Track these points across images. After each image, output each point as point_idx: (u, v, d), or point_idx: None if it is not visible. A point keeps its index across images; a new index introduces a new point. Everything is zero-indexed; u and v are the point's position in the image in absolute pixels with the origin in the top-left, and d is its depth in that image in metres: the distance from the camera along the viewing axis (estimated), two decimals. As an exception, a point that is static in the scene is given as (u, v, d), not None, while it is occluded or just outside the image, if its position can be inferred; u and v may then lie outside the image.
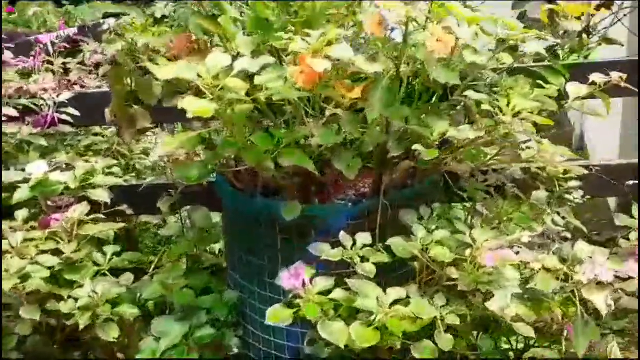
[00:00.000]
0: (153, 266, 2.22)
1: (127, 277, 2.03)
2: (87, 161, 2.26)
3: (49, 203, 2.12)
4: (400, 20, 1.59)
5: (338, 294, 1.59)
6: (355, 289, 1.57)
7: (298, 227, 1.78)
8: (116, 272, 2.02)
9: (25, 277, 1.81)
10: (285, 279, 1.58)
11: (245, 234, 1.90)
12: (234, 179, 1.87)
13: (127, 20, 1.98)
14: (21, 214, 2.02)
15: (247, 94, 1.61)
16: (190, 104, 1.48)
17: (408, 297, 1.60)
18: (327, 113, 1.69)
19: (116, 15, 2.69)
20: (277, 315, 1.57)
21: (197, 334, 1.89)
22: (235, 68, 1.57)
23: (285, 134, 1.65)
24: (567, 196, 1.93)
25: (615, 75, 1.74)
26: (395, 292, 1.58)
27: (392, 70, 1.65)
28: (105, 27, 3.49)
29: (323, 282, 1.61)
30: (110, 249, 2.00)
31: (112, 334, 1.84)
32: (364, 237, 1.69)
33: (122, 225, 2.08)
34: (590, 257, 1.72)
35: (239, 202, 1.88)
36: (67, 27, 3.57)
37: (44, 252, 1.93)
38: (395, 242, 1.65)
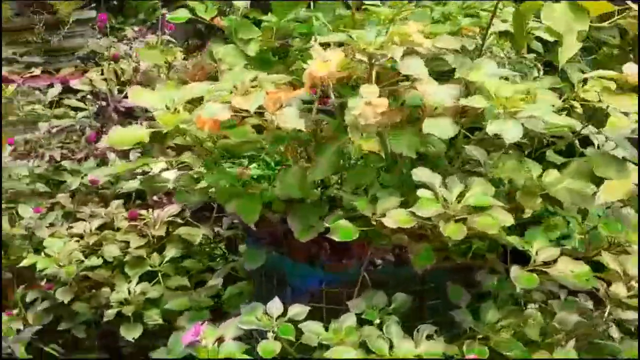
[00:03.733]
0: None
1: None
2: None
3: (155, 198, 2.28)
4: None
5: (237, 363, 1.42)
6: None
7: (278, 279, 1.64)
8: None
9: (70, 262, 1.99)
10: (186, 335, 1.47)
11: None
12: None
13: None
14: (116, 202, 2.20)
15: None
16: (115, 133, 1.46)
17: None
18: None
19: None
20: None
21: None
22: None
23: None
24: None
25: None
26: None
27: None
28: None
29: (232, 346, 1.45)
30: (171, 252, 2.06)
31: (131, 334, 1.92)
32: (297, 311, 1.46)
33: (199, 231, 2.11)
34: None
35: (248, 242, 1.80)
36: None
37: (118, 241, 2.09)
38: (308, 326, 1.41)
